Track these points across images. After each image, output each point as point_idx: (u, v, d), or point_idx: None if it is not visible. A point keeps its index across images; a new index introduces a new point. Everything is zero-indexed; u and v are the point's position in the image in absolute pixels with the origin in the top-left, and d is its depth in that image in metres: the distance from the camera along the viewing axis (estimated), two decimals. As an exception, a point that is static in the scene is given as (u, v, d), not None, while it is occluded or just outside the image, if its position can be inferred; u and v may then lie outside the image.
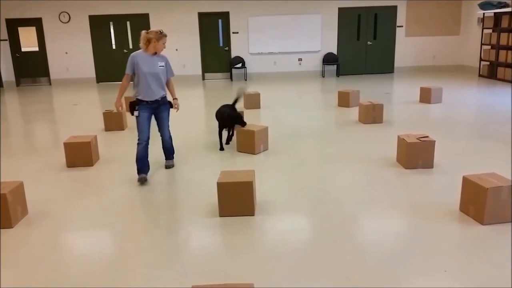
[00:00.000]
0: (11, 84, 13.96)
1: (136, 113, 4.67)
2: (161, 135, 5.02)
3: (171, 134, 5.11)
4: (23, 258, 3.26)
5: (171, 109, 4.95)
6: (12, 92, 12.91)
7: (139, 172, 4.72)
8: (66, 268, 3.10)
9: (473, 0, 13.18)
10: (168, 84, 4.91)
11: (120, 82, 4.67)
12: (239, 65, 13.89)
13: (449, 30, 14.19)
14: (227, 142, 6.10)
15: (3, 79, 13.86)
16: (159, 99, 4.74)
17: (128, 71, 4.63)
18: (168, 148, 5.14)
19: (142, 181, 4.66)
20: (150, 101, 4.69)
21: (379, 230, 3.53)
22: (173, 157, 5.26)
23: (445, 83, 11.30)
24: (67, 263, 3.18)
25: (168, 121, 4.97)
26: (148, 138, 4.74)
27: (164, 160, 5.23)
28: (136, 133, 4.75)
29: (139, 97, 4.67)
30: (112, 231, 3.69)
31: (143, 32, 4.65)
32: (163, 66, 4.75)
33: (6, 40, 13.68)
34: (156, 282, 2.89)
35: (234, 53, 14.03)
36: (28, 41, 13.91)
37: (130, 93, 4.99)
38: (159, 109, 4.80)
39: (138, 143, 4.71)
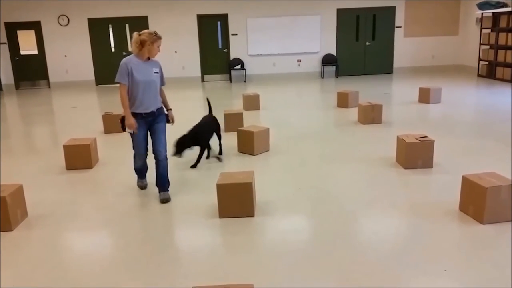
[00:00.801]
0: (11, 87, 13.97)
1: (129, 129, 4.10)
2: (155, 154, 4.23)
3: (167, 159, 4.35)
4: (23, 260, 3.26)
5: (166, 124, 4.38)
6: (11, 95, 12.91)
7: (140, 176, 4.63)
8: (66, 270, 3.10)
9: (472, 0, 13.20)
10: (160, 93, 4.29)
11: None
12: (238, 66, 13.90)
13: (447, 30, 14.21)
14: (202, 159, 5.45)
15: (3, 82, 13.86)
16: (155, 110, 4.18)
17: (123, 80, 4.00)
18: (163, 175, 4.28)
19: (144, 187, 4.62)
20: (145, 114, 4.12)
21: (378, 230, 3.53)
22: (168, 189, 4.37)
23: (444, 83, 11.32)
24: (67, 264, 3.18)
25: (165, 136, 4.29)
26: (147, 151, 4.31)
27: (158, 193, 4.35)
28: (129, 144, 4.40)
29: (132, 110, 4.08)
30: (111, 232, 3.69)
31: (135, 34, 4.04)
32: (157, 72, 4.18)
33: (5, 43, 13.69)
34: (157, 283, 2.89)
35: (233, 55, 14.04)
36: (27, 44, 13.92)
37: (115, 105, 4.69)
38: (155, 121, 4.20)
39: (135, 156, 4.36)
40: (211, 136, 5.53)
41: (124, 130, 4.15)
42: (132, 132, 4.12)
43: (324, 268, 3.00)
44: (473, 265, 2.97)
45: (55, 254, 3.33)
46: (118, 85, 4.09)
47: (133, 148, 4.29)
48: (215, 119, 5.73)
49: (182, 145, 5.01)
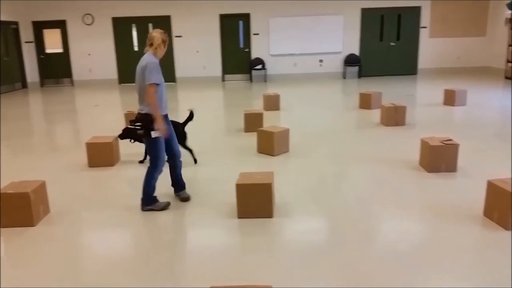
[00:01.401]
0: (36, 85, 14.27)
1: (157, 133, 3.83)
2: (175, 154, 4.19)
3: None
4: (45, 256, 3.30)
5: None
6: (36, 92, 13.18)
7: (154, 200, 4.09)
8: (86, 266, 3.13)
9: (501, 0, 12.88)
10: None
11: None
12: (259, 66, 13.88)
13: (474, 31, 13.89)
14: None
15: (28, 80, 14.17)
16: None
17: (159, 81, 3.80)
18: (180, 174, 4.30)
19: (168, 205, 4.13)
20: (164, 115, 3.98)
21: (400, 233, 3.45)
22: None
23: (469, 85, 11.07)
24: (86, 261, 3.21)
25: None
26: None
27: (175, 193, 4.35)
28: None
29: (161, 112, 3.89)
30: (130, 231, 3.71)
31: (156, 33, 3.87)
32: None
33: (32, 42, 13.99)
34: (175, 282, 2.89)
35: (254, 55, 14.03)
36: (53, 43, 14.20)
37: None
38: (166, 121, 4.04)
39: (157, 171, 3.98)
40: None
41: (149, 136, 3.84)
42: (159, 136, 3.87)
43: (343, 269, 2.95)
44: (497, 271, 2.87)
45: (76, 251, 3.37)
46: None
47: (158, 157, 3.95)
48: (177, 127, 5.12)
49: (129, 134, 4.65)
